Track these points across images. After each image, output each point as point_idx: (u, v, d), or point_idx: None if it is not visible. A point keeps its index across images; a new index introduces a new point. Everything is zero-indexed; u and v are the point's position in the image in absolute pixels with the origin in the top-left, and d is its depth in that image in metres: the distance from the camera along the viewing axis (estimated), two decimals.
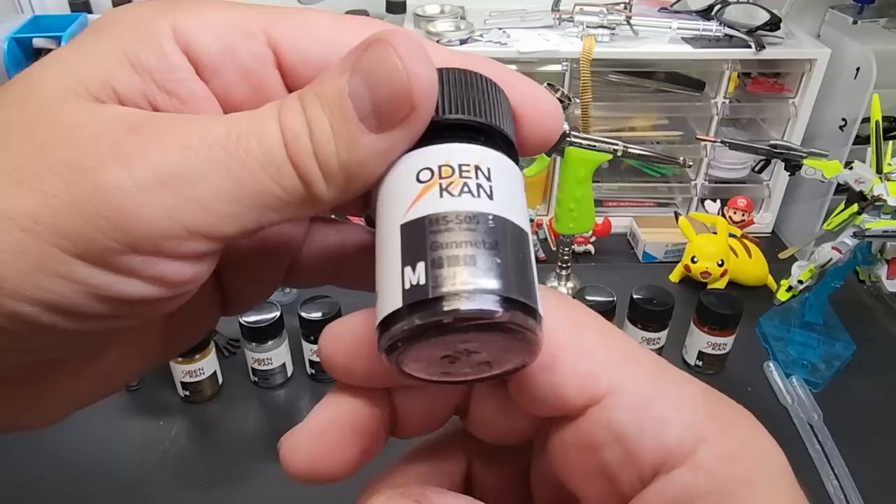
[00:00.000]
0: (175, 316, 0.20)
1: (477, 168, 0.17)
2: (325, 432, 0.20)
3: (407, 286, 0.16)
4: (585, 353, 0.18)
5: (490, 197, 0.17)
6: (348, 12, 1.05)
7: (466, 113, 0.18)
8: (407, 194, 0.17)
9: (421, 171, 0.17)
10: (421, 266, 0.16)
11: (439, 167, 0.17)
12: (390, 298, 0.16)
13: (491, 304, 0.15)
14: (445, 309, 0.15)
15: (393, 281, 0.16)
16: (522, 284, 0.16)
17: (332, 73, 0.17)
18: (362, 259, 0.23)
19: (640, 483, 0.17)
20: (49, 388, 0.19)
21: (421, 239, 0.16)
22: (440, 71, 0.18)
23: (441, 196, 0.16)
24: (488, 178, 0.17)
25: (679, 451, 0.17)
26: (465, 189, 0.17)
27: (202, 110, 0.18)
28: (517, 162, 0.19)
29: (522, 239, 0.17)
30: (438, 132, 0.18)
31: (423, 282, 0.15)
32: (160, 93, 0.17)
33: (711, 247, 0.88)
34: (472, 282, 0.15)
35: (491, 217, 0.16)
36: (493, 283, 0.16)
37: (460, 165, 0.17)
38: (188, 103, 0.18)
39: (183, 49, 0.17)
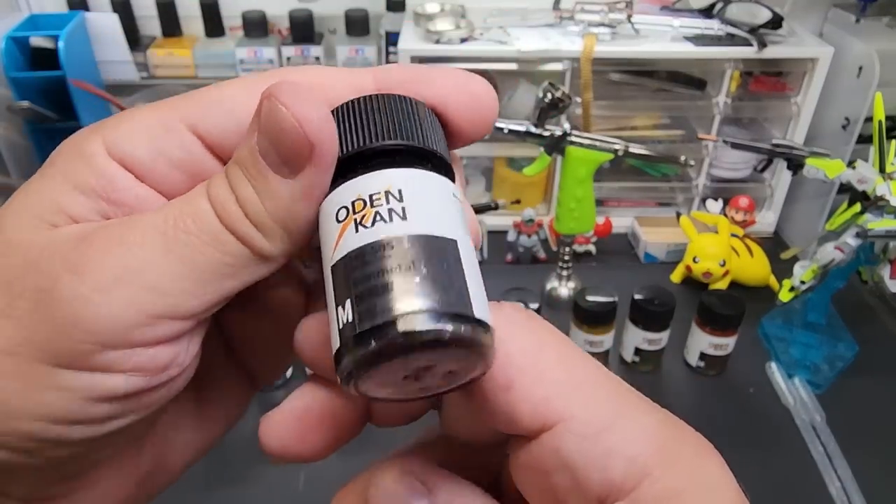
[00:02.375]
0: (206, 404, 0.23)
1: (387, 193, 0.18)
2: (299, 418, 0.21)
3: (340, 325, 0.17)
4: (542, 376, 0.18)
5: (403, 217, 0.17)
6: (347, 11, 1.04)
7: (368, 141, 0.18)
8: (331, 236, 0.18)
9: (339, 210, 0.18)
10: (348, 304, 0.16)
11: (352, 203, 0.18)
12: (333, 338, 0.17)
13: (415, 323, 0.16)
14: (370, 344, 0.16)
15: (332, 321, 0.17)
16: (447, 296, 0.16)
17: (244, 139, 0.18)
18: None
19: None
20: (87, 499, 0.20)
21: (345, 277, 0.17)
22: (340, 108, 0.19)
23: (357, 231, 0.17)
24: (400, 200, 0.17)
25: (623, 485, 0.17)
26: (378, 217, 0.17)
27: (151, 210, 0.19)
28: (446, 164, 0.19)
29: (447, 249, 0.17)
30: (351, 167, 0.18)
31: (350, 319, 0.16)
32: (109, 205, 0.19)
33: (713, 247, 0.87)
34: (389, 309, 0.16)
35: (406, 237, 0.17)
36: (409, 306, 0.16)
37: (371, 196, 0.18)
38: (136, 207, 0.19)
39: (118, 161, 0.19)
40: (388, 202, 0.17)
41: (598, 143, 0.75)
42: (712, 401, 0.73)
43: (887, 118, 0.75)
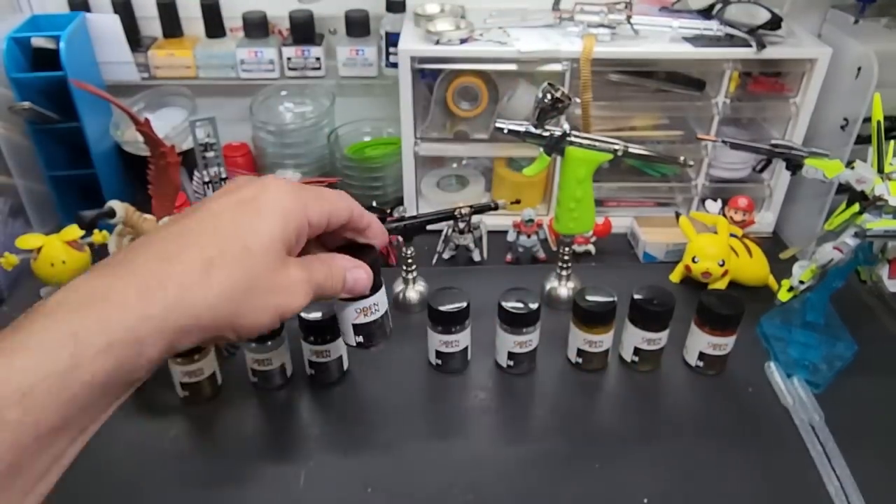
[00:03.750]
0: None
1: (374, 304, 0.50)
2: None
3: (354, 344, 0.52)
4: None
5: (379, 310, 0.51)
6: (348, 11, 1.05)
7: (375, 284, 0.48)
8: (351, 315, 0.50)
9: (355, 309, 0.49)
10: (360, 337, 0.51)
11: (363, 308, 0.49)
12: (350, 337, 0.51)
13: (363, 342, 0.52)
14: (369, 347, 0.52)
15: (349, 329, 0.51)
16: (379, 334, 0.52)
17: (343, 268, 0.45)
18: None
19: None
20: None
21: (359, 331, 0.51)
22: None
23: (366, 317, 0.50)
24: (377, 305, 0.50)
25: None
26: (371, 312, 0.50)
27: (306, 250, 0.43)
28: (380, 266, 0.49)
29: (386, 312, 0.52)
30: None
31: (361, 342, 0.51)
32: (299, 246, 0.42)
33: (712, 247, 0.87)
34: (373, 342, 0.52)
35: (379, 319, 0.51)
36: (378, 340, 0.52)
37: (370, 306, 0.50)
38: (302, 246, 0.42)
39: (308, 225, 0.41)
40: (372, 309, 0.50)
41: (597, 144, 0.75)
42: (711, 400, 0.74)
43: (886, 118, 0.75)
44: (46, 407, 0.29)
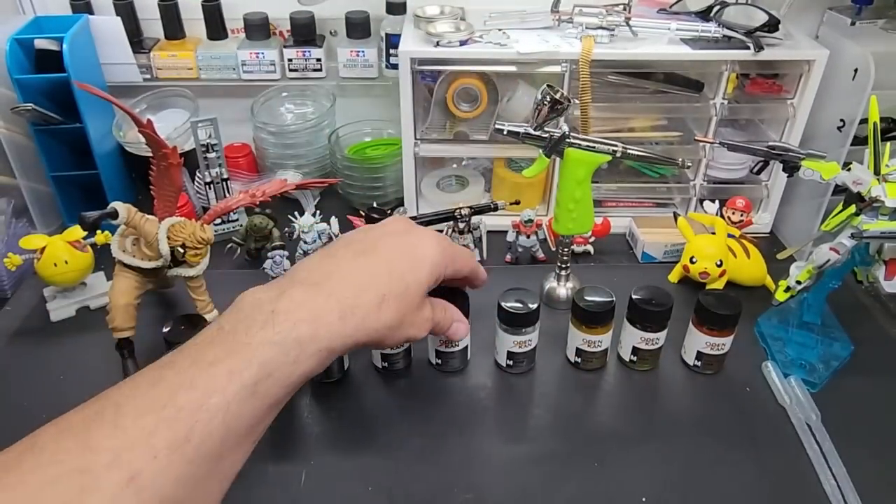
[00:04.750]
0: None
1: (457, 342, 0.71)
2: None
3: (434, 363, 0.72)
4: None
5: (458, 346, 0.73)
6: (348, 13, 1.05)
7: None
8: (435, 342, 0.72)
9: (440, 339, 0.70)
10: (438, 360, 0.73)
11: (446, 341, 0.72)
12: (430, 356, 0.74)
13: None
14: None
15: (431, 357, 0.73)
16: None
17: (453, 315, 0.61)
18: None
19: None
20: None
21: (439, 356, 0.72)
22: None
23: (446, 347, 0.73)
24: (460, 342, 0.73)
25: None
26: (453, 346, 0.73)
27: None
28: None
29: (465, 346, 0.74)
30: None
31: (438, 363, 0.73)
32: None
33: (710, 247, 0.88)
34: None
35: (459, 350, 0.73)
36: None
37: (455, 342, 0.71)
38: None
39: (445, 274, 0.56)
40: (457, 343, 0.73)
41: (596, 145, 0.75)
42: (709, 399, 0.74)
43: (882, 120, 0.75)
44: (279, 385, 0.43)
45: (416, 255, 0.53)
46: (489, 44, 0.89)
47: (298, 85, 1.11)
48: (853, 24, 0.92)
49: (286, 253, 0.88)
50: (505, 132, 0.76)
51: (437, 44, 0.88)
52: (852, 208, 0.75)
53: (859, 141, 0.83)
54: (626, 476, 0.65)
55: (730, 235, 0.91)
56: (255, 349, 0.42)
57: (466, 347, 0.77)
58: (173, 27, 1.08)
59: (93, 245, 0.85)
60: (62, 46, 0.90)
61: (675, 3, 0.95)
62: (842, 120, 0.88)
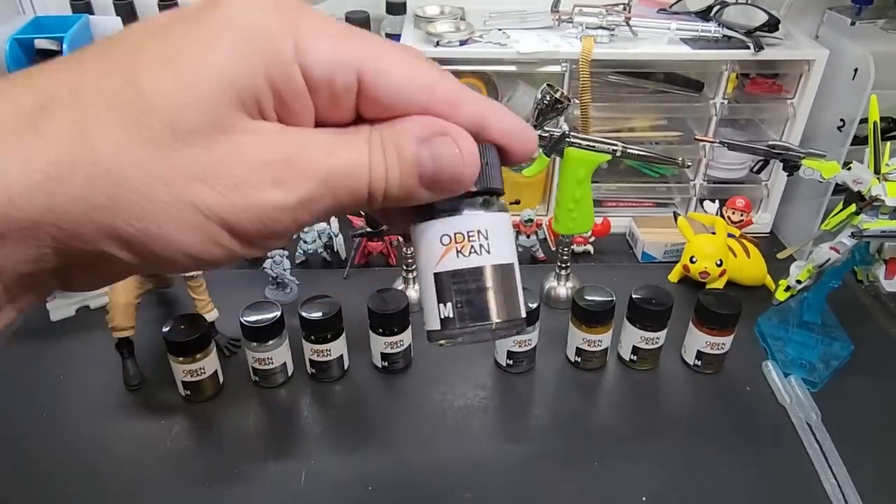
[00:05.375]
0: None
1: (479, 232, 0.27)
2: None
3: (442, 316, 0.27)
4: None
5: (488, 252, 0.27)
6: (348, 13, 1.05)
7: (472, 185, 0.26)
8: (435, 251, 0.27)
9: (442, 236, 0.27)
10: (450, 305, 0.27)
11: (454, 234, 0.27)
12: (432, 320, 0.27)
13: (486, 328, 0.27)
14: (461, 334, 0.27)
15: (433, 310, 0.27)
16: (507, 307, 0.27)
17: (411, 133, 0.24)
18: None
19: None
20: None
21: (447, 287, 0.27)
22: None
23: (457, 256, 0.26)
24: (486, 238, 0.27)
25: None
26: (472, 251, 0.26)
27: (305, 123, 0.24)
28: (502, 194, 0.28)
29: (509, 272, 0.27)
30: (454, 198, 0.26)
31: (451, 315, 0.27)
32: (283, 108, 0.23)
33: (710, 247, 0.88)
34: (478, 317, 0.27)
35: (488, 268, 0.27)
36: (488, 318, 0.27)
37: (468, 232, 0.27)
38: (299, 116, 0.23)
39: (301, 69, 0.22)
40: (479, 239, 0.27)
41: (596, 145, 0.75)
42: (709, 399, 0.74)
43: (882, 119, 0.75)
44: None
45: (198, 22, 0.22)
46: (489, 44, 0.89)
47: None
48: (853, 23, 0.92)
49: (286, 252, 0.88)
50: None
51: (437, 44, 0.88)
52: (852, 207, 0.75)
53: (859, 140, 0.83)
54: (626, 476, 0.65)
55: (730, 235, 0.91)
56: None
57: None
58: None
59: None
60: (62, 46, 0.90)
61: (675, 2, 0.95)
62: (842, 119, 0.88)
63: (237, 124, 0.22)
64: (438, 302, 0.26)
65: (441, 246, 0.26)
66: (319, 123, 0.24)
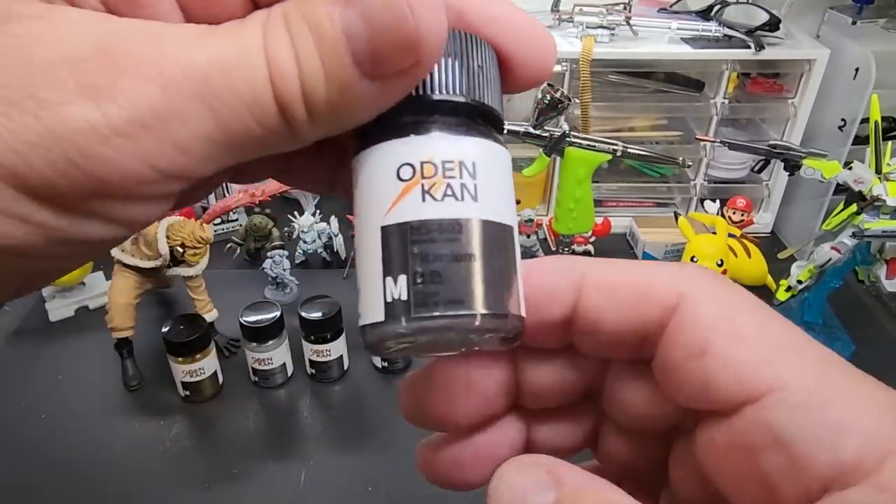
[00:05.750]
0: None
1: (461, 165, 0.16)
2: (438, 380, 0.19)
3: (388, 299, 0.16)
4: (741, 339, 0.16)
5: (474, 198, 0.16)
6: None
7: (452, 90, 0.16)
8: (387, 191, 0.16)
9: (402, 166, 0.16)
10: (402, 280, 0.16)
11: (421, 164, 0.16)
12: (372, 306, 0.16)
13: (467, 322, 0.16)
14: (422, 330, 0.16)
15: (374, 289, 0.16)
16: (499, 294, 0.16)
17: (316, 12, 0.14)
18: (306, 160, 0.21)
19: (806, 497, 0.14)
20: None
21: (401, 248, 0.16)
22: None
23: (423, 200, 0.16)
24: (473, 176, 0.16)
25: (859, 466, 0.14)
26: (449, 192, 0.16)
27: (163, 15, 0.15)
28: (501, 131, 0.18)
29: (506, 238, 0.17)
30: (420, 109, 0.16)
31: (404, 297, 0.15)
32: None
33: (711, 247, 0.88)
34: (451, 301, 0.15)
35: (474, 222, 0.16)
36: (469, 305, 0.16)
37: (444, 163, 0.16)
38: (148, 5, 0.15)
39: None
40: (461, 176, 0.16)
41: (596, 144, 0.75)
42: None
43: (883, 119, 0.75)
44: None
45: None
46: None
47: None
48: (854, 23, 0.92)
49: (286, 252, 0.87)
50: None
51: None
52: (853, 207, 0.74)
53: (860, 140, 0.83)
54: None
55: (730, 235, 0.91)
56: None
57: None
58: None
59: None
60: None
61: (676, 2, 0.95)
62: (843, 119, 0.88)
63: (20, 9, 0.14)
64: (384, 275, 0.16)
65: (398, 182, 0.16)
66: None
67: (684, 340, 0.16)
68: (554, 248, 0.97)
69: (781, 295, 0.87)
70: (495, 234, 0.16)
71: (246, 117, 0.14)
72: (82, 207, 0.14)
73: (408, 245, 0.16)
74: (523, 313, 0.17)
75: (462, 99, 0.16)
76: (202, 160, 0.15)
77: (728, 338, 0.16)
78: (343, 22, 0.14)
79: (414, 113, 0.16)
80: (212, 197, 0.97)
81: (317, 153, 0.19)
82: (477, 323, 0.16)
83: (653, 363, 0.17)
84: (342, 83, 0.14)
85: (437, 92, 0.16)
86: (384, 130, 0.16)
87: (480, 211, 0.16)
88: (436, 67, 0.16)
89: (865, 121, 0.79)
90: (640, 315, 0.17)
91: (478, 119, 0.17)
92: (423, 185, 0.16)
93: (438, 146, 0.16)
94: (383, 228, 0.16)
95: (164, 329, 0.70)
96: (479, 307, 0.16)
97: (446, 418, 0.19)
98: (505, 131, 0.19)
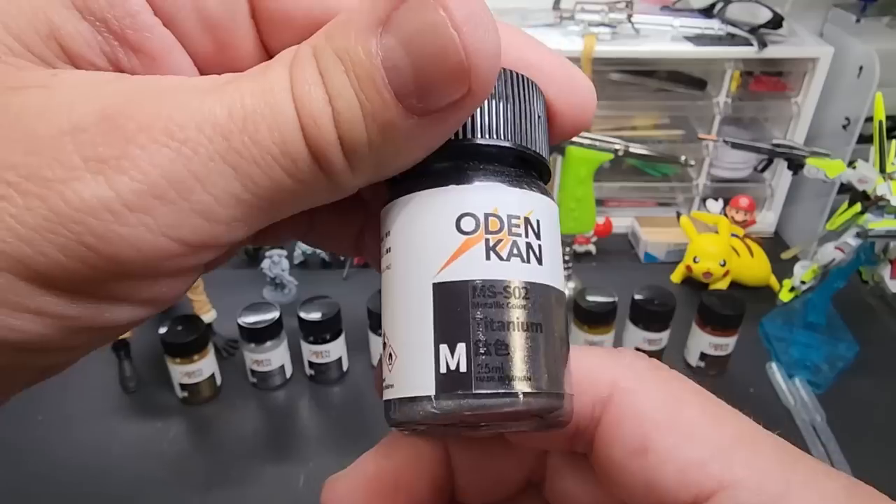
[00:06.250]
0: None
1: (527, 221, 0.14)
2: (367, 485, 0.18)
3: (443, 370, 0.14)
4: (686, 435, 0.14)
5: (539, 261, 0.14)
6: None
7: (509, 137, 0.15)
8: (442, 244, 0.14)
9: (463, 217, 0.14)
10: (461, 348, 0.13)
11: (486, 216, 0.14)
12: (416, 377, 0.14)
13: (528, 401, 0.14)
14: (482, 408, 0.14)
15: (420, 355, 0.14)
16: (559, 372, 0.15)
17: (356, 24, 0.13)
18: (336, 219, 0.19)
19: None
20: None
21: (462, 311, 0.14)
22: None
23: (488, 258, 0.14)
24: (538, 236, 0.15)
25: None
26: (515, 251, 0.14)
27: (176, 69, 0.14)
28: (547, 182, 0.17)
29: (561, 306, 0.15)
30: (470, 155, 0.14)
31: (463, 368, 0.13)
32: (121, 47, 0.13)
33: (713, 247, 0.87)
34: (519, 378, 0.14)
35: (541, 287, 0.14)
36: (536, 382, 0.14)
37: (509, 217, 0.14)
38: (160, 59, 0.14)
39: None
40: (526, 235, 0.14)
41: (598, 143, 0.75)
42: None
43: (888, 118, 0.75)
44: None
45: None
46: None
47: None
48: (858, 21, 0.91)
49: (284, 252, 0.87)
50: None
51: None
52: (857, 207, 0.74)
53: (864, 139, 0.82)
54: None
55: (733, 235, 0.90)
56: None
57: None
58: None
59: None
60: None
61: (678, 0, 0.95)
62: (847, 118, 0.88)
63: (21, 78, 0.12)
64: (437, 342, 0.14)
65: (457, 234, 0.14)
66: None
67: (623, 437, 0.15)
68: None
69: (785, 295, 0.86)
70: (557, 303, 0.15)
71: (275, 171, 0.13)
72: (101, 292, 0.13)
73: (470, 308, 0.14)
74: (568, 388, 0.15)
75: (525, 147, 0.15)
76: (231, 225, 0.13)
77: (672, 433, 0.14)
78: (382, 52, 0.12)
79: (468, 158, 0.15)
80: None
81: (339, 206, 0.16)
82: (541, 404, 0.14)
83: (591, 458, 0.16)
84: (384, 122, 0.13)
85: (493, 137, 0.14)
86: (429, 174, 0.14)
87: (546, 276, 0.15)
88: (487, 107, 0.15)
89: (869, 119, 0.78)
90: None
91: (532, 171, 0.16)
92: (487, 241, 0.14)
93: (504, 198, 0.14)
94: (437, 286, 0.14)
95: (162, 330, 0.69)
96: (544, 385, 0.14)
97: None
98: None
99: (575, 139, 0.74)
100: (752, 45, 0.87)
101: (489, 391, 0.13)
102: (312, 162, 0.13)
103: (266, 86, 0.13)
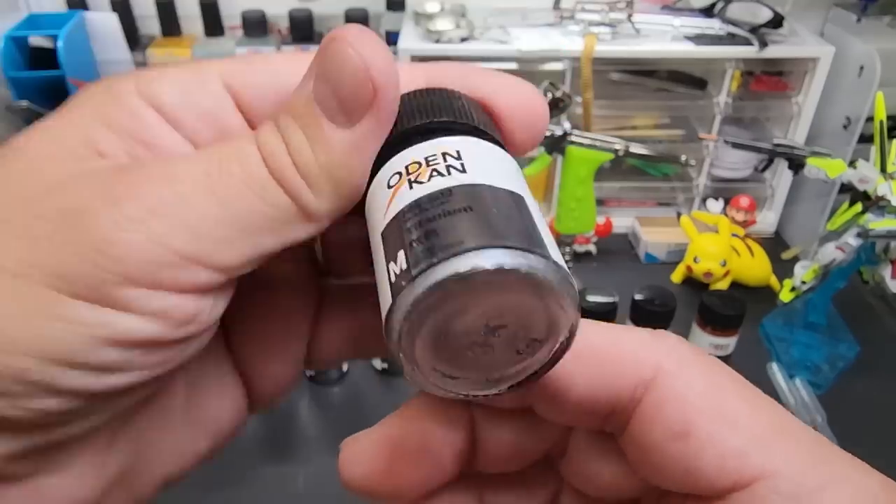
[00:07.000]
0: (195, 408, 0.21)
1: (444, 154, 0.16)
2: (391, 447, 0.19)
3: (392, 279, 0.15)
4: (728, 423, 0.15)
5: (462, 171, 0.16)
6: (347, 10, 1.04)
7: (422, 119, 0.17)
8: (382, 203, 0.16)
9: (391, 177, 0.17)
10: (401, 254, 0.15)
11: (406, 167, 0.16)
12: (385, 303, 0.15)
13: (481, 258, 0.14)
14: (427, 287, 0.14)
15: (384, 285, 0.15)
16: (517, 234, 0.14)
17: (298, 87, 0.17)
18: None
19: None
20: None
21: (398, 233, 0.15)
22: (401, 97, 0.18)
23: (411, 188, 0.16)
24: (458, 158, 0.16)
25: None
26: (434, 174, 0.16)
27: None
28: (491, 140, 0.18)
29: (512, 198, 0.16)
30: (406, 142, 0.17)
31: (404, 266, 0.14)
32: (140, 148, 0.17)
33: (714, 247, 0.87)
34: (449, 245, 0.14)
35: (465, 185, 0.15)
36: (475, 240, 0.14)
37: (427, 158, 0.16)
38: (170, 153, 0.18)
39: (149, 104, 0.17)
40: (445, 160, 0.16)
41: (598, 143, 0.75)
42: None
43: (888, 118, 0.75)
44: None
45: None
46: (490, 41, 0.88)
47: None
48: (859, 20, 0.91)
49: None
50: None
51: (438, 41, 0.87)
52: (858, 207, 0.74)
53: (865, 139, 0.82)
54: None
55: (734, 235, 0.90)
56: None
57: None
58: (170, 24, 1.07)
59: None
60: (57, 44, 0.89)
61: None
62: (847, 118, 0.88)
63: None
64: (387, 262, 0.15)
65: (387, 190, 0.16)
66: None
67: (665, 420, 0.15)
68: None
69: (785, 296, 0.86)
70: (494, 193, 0.15)
71: (249, 197, 0.16)
72: (118, 297, 0.15)
73: (402, 227, 0.15)
74: (555, 256, 0.14)
75: (442, 118, 0.17)
76: (218, 243, 0.16)
77: (714, 420, 0.15)
78: (314, 93, 0.17)
79: (400, 143, 0.17)
80: None
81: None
82: (486, 259, 0.14)
83: (623, 438, 0.16)
84: (323, 140, 0.16)
85: (409, 123, 0.18)
86: (376, 170, 0.17)
87: (472, 178, 0.16)
88: (412, 108, 0.18)
89: (870, 119, 0.78)
90: (612, 387, 0.16)
91: (461, 132, 0.18)
92: (409, 180, 0.16)
93: (420, 149, 0.17)
94: (382, 235, 0.16)
95: None
96: (487, 240, 0.14)
97: (397, 488, 0.18)
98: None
99: (575, 139, 0.74)
100: (752, 44, 0.87)
101: (424, 266, 0.14)
102: (278, 188, 0.16)
103: (237, 140, 0.17)
